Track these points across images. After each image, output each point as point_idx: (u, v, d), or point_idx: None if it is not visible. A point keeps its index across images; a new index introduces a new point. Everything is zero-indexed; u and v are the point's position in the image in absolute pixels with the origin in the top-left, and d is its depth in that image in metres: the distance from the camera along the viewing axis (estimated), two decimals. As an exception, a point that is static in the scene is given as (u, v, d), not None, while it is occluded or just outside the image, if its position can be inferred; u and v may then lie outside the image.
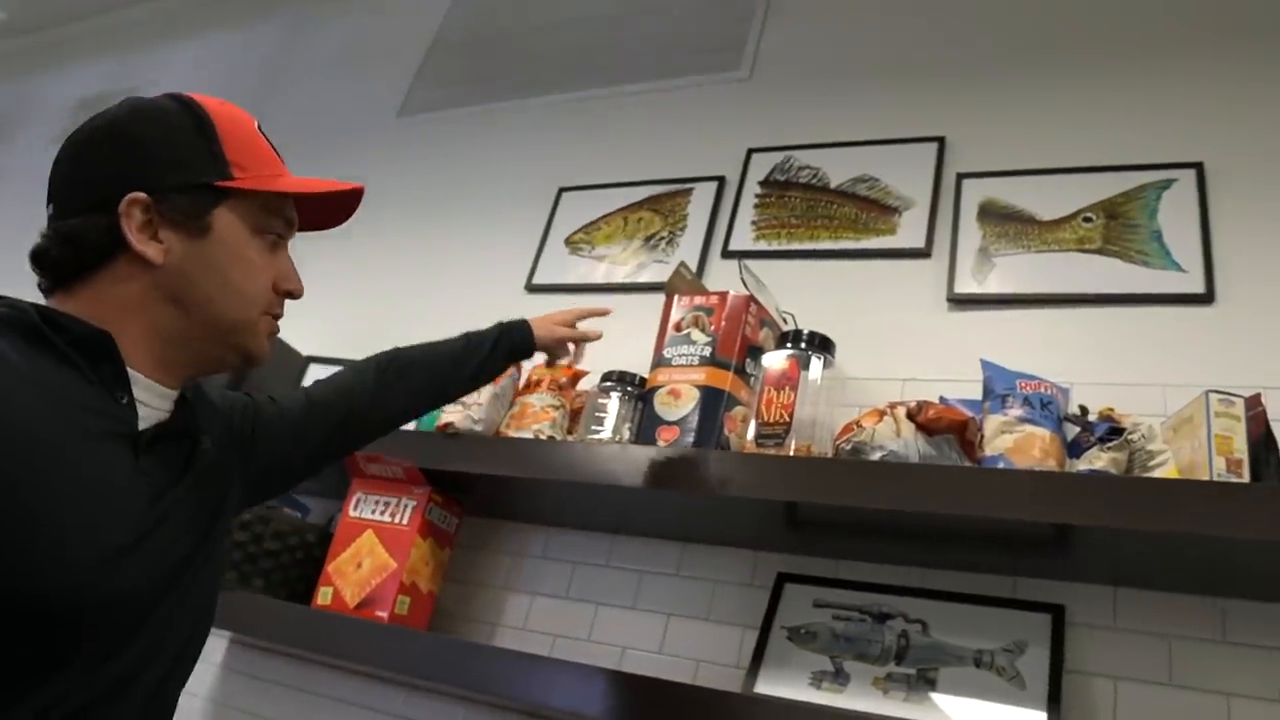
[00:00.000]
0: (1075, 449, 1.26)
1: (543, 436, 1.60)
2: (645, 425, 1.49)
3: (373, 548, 1.62)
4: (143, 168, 0.79)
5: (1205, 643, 1.22)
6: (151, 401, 0.81)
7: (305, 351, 2.14)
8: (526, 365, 1.74)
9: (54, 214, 0.80)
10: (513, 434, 1.64)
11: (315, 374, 2.08)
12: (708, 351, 1.49)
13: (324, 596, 1.61)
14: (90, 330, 0.75)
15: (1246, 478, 1.13)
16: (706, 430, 1.43)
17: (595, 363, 1.79)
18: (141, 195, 0.77)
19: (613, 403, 1.57)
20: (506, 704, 1.51)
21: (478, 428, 1.63)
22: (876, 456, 1.29)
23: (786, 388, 1.44)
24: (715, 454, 1.37)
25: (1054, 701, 1.21)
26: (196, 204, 0.80)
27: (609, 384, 1.60)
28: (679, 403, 1.47)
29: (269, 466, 1.02)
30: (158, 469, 0.80)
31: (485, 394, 1.65)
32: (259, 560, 1.66)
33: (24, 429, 0.68)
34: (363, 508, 1.67)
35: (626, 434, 1.55)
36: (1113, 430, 1.20)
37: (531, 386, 1.71)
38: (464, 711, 1.60)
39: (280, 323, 0.91)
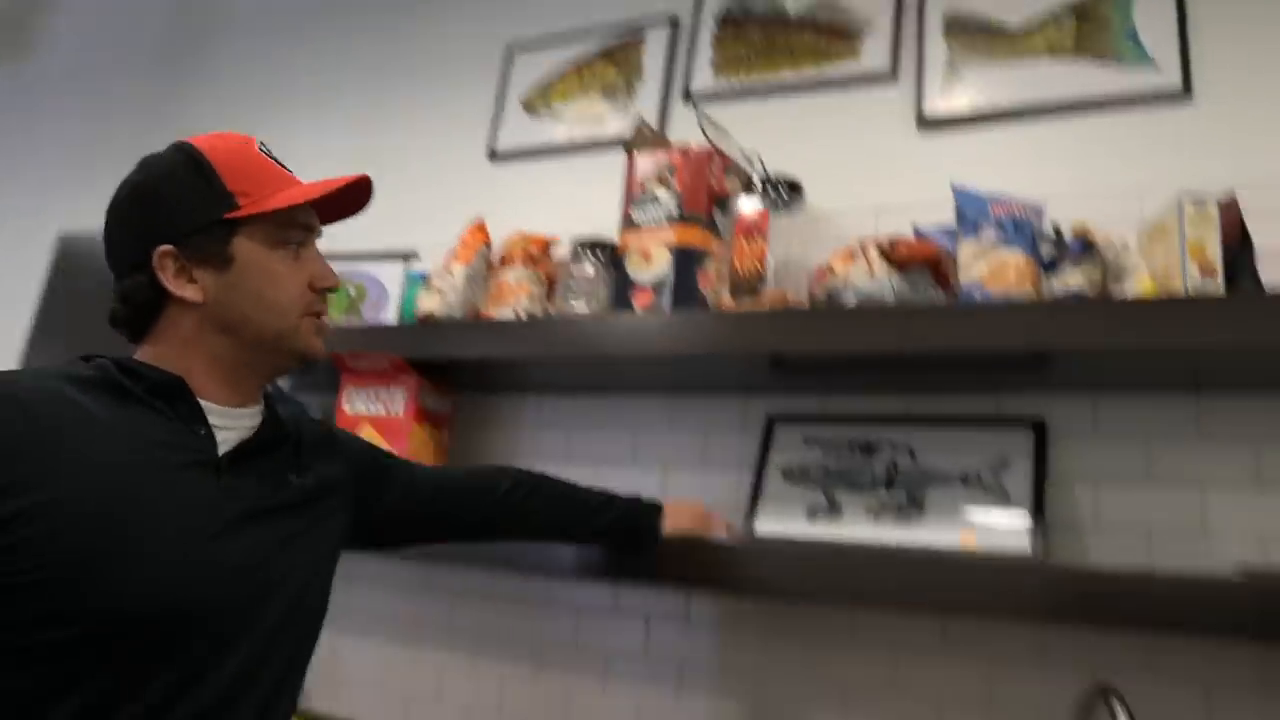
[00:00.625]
0: (1050, 267, 1.27)
1: (522, 313, 1.60)
2: (620, 290, 1.49)
3: (372, 440, 1.65)
4: (161, 222, 0.87)
5: (1182, 438, 1.26)
6: (229, 424, 0.89)
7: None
8: (496, 242, 1.73)
9: (114, 279, 0.90)
10: (493, 313, 1.64)
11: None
12: (674, 210, 1.46)
13: (333, 489, 1.66)
14: (163, 376, 0.86)
15: (1220, 282, 1.13)
16: (682, 290, 1.43)
17: (565, 225, 1.78)
18: (167, 246, 0.86)
19: (586, 271, 1.56)
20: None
21: (456, 312, 1.62)
22: (852, 300, 1.29)
23: (757, 237, 1.43)
24: (693, 316, 1.38)
25: (1038, 509, 1.26)
26: (214, 240, 0.87)
27: (583, 250, 1.58)
28: (651, 265, 1.46)
29: (379, 522, 1.09)
30: (246, 486, 0.88)
31: (459, 275, 1.65)
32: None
33: (108, 474, 0.78)
34: (356, 402, 1.70)
35: (603, 298, 1.54)
36: (1086, 247, 1.20)
37: (505, 262, 1.70)
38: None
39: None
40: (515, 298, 1.64)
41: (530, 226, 1.75)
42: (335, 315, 1.90)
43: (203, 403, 0.88)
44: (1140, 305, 1.11)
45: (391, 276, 1.90)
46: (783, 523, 1.41)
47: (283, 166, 0.94)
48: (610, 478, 1.64)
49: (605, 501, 1.28)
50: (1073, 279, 1.19)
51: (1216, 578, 1.01)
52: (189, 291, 0.87)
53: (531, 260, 1.69)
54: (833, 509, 1.40)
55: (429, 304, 1.63)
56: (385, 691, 1.75)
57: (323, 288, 0.94)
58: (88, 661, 0.74)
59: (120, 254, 0.89)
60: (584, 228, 1.78)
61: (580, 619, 1.62)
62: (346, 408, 1.70)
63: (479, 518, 1.20)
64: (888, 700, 1.34)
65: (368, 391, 1.69)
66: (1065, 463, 1.33)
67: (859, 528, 1.36)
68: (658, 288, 1.45)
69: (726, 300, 1.43)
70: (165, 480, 0.82)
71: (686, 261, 1.45)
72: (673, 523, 1.30)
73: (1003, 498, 1.30)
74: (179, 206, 0.87)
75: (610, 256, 1.56)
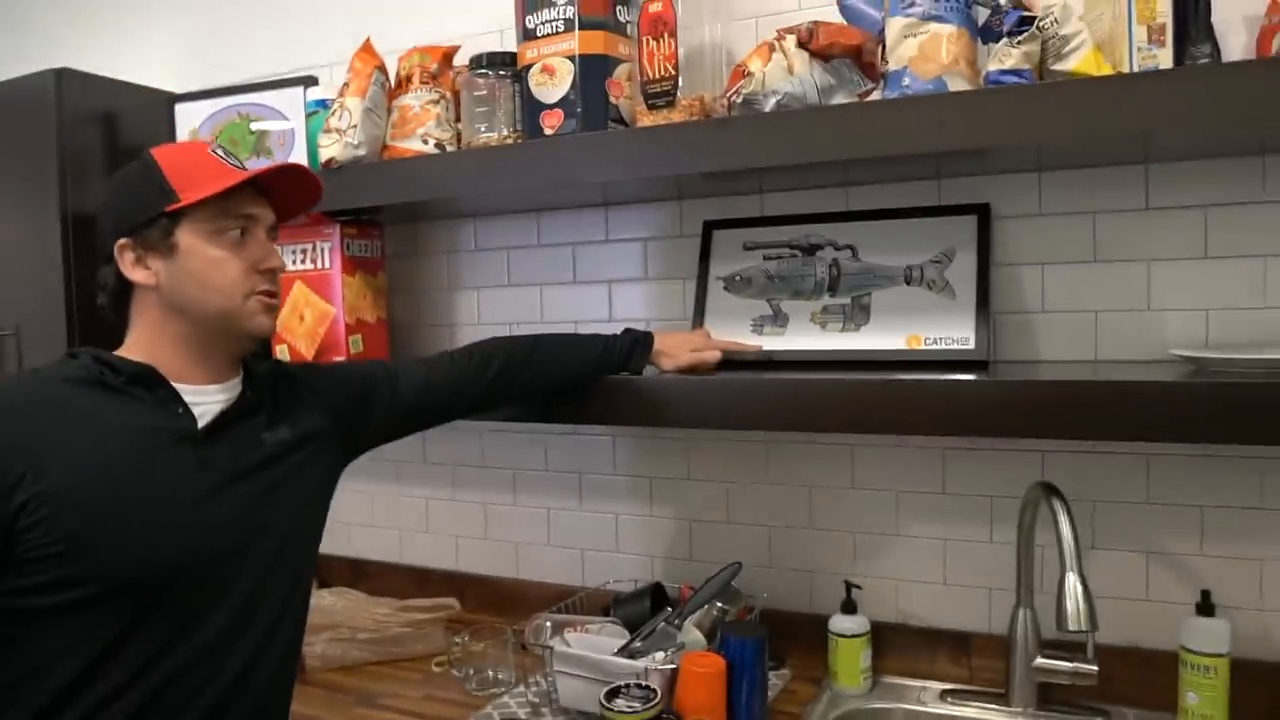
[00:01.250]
0: (988, 35, 1.13)
1: (430, 143, 1.48)
2: (528, 112, 1.36)
3: (307, 298, 1.60)
4: (120, 218, 0.98)
5: (1128, 213, 1.19)
6: (205, 400, 0.99)
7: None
8: (392, 62, 1.56)
9: None
10: (400, 146, 1.51)
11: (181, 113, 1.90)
12: (570, 13, 1.30)
13: (281, 353, 1.63)
14: (136, 367, 0.96)
15: (1169, 45, 1.01)
16: (591, 107, 1.30)
17: (464, 26, 1.61)
18: (124, 239, 0.97)
19: (488, 90, 1.42)
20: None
21: (361, 151, 1.50)
22: (770, 105, 1.17)
23: (665, 35, 1.28)
24: (603, 140, 1.26)
25: (982, 305, 1.23)
26: (161, 231, 0.97)
27: (481, 70, 1.43)
28: (555, 80, 1.32)
29: (375, 435, 1.18)
30: (223, 453, 0.98)
31: (355, 111, 1.50)
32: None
33: (99, 460, 0.90)
34: (286, 260, 1.62)
35: (511, 117, 1.41)
36: (1023, 20, 1.06)
37: (404, 85, 1.54)
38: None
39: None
40: (421, 125, 1.51)
41: (425, 37, 1.57)
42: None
43: (178, 385, 0.97)
44: (1077, 86, 1.00)
45: (293, 106, 1.74)
46: (728, 336, 1.38)
47: (237, 166, 1.01)
48: (555, 301, 1.61)
49: (598, 355, 1.27)
50: (1009, 59, 1.07)
51: (1159, 383, 0.98)
52: (141, 276, 0.97)
53: (432, 78, 1.53)
54: (777, 319, 1.36)
55: (329, 150, 1.50)
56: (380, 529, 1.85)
57: (266, 269, 1.01)
58: (103, 615, 0.89)
59: (99, 251, 1.01)
60: (484, 24, 1.61)
61: (549, 445, 1.66)
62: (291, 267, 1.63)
63: (468, 403, 1.22)
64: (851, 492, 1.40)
65: (294, 248, 1.61)
66: (1010, 248, 1.27)
67: (806, 337, 1.33)
68: (566, 106, 1.32)
69: (642, 111, 1.31)
70: (151, 460, 0.93)
71: (593, 71, 1.30)
72: (670, 361, 1.29)
73: (948, 293, 1.26)
74: (131, 204, 0.98)
75: (513, 72, 1.41)
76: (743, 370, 1.28)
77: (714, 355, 1.30)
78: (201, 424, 0.97)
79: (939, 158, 1.17)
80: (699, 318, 1.42)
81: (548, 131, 1.34)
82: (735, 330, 1.38)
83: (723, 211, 1.46)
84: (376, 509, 1.86)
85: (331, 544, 1.91)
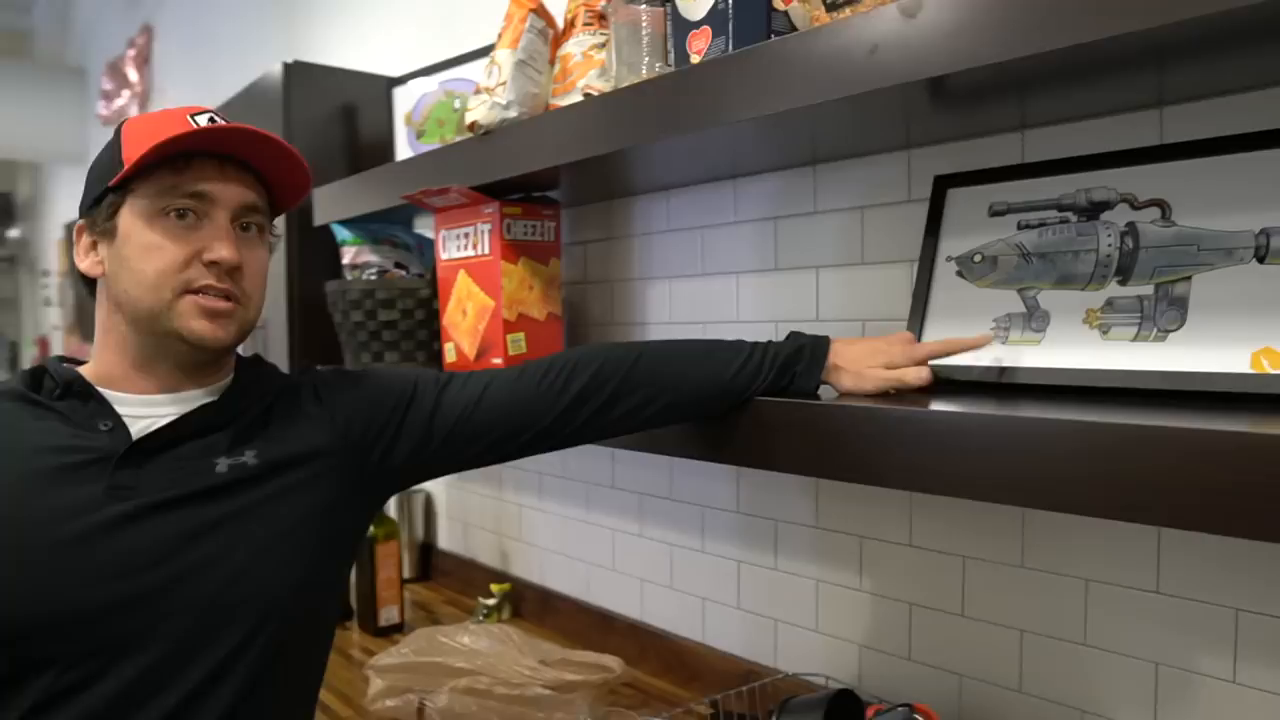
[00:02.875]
0: None
1: (593, 93, 1.18)
2: (677, 38, 1.01)
3: (469, 290, 1.38)
4: (82, 199, 0.84)
5: None
6: (150, 415, 0.81)
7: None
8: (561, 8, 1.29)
9: None
10: (561, 103, 1.24)
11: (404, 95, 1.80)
12: (718, -113, 0.93)
13: (449, 354, 1.43)
14: (67, 375, 0.81)
15: None
16: (745, 16, 0.92)
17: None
18: (80, 221, 0.84)
19: (635, 17, 1.08)
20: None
21: (511, 113, 1.24)
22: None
23: (847, -103, 0.86)
24: (750, 56, 0.87)
25: None
26: (106, 211, 0.81)
27: (632, -8, 1.10)
28: (702, -11, 0.96)
29: (403, 462, 0.90)
30: (153, 481, 0.79)
31: (507, 66, 1.25)
32: (381, 335, 1.52)
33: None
34: (450, 247, 1.42)
35: (664, 57, 1.07)
36: None
37: (569, 29, 1.26)
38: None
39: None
40: (584, 76, 1.22)
41: (590, -32, 1.28)
42: (448, 138, 1.61)
43: (120, 395, 0.82)
44: None
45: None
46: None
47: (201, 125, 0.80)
48: (748, 291, 1.25)
49: (737, 371, 0.87)
50: None
51: None
52: (87, 265, 0.83)
53: (598, 18, 1.24)
54: (1033, 319, 0.88)
55: (474, 113, 1.26)
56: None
57: (209, 260, 0.79)
58: None
59: None
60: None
61: (741, 480, 1.29)
62: (443, 255, 1.43)
63: (541, 432, 0.89)
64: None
65: (458, 233, 1.40)
66: None
67: (1074, 349, 0.84)
68: (714, 20, 0.95)
69: (818, 17, 0.90)
70: (48, 486, 0.77)
71: (747, -30, 0.92)
72: (852, 379, 0.87)
73: (1338, 274, 0.71)
74: (89, 181, 0.84)
75: (664, -12, 1.06)
76: (976, 397, 0.82)
77: (919, 376, 0.86)
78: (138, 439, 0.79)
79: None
80: (918, 317, 0.97)
81: (694, 58, 0.98)
82: (969, 336, 0.92)
83: (963, 162, 0.99)
84: (567, 536, 1.61)
85: (524, 569, 1.70)
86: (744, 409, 0.88)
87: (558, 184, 1.33)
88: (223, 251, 0.79)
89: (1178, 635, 0.86)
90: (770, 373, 0.87)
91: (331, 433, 0.87)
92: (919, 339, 0.96)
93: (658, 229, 1.38)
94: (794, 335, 0.91)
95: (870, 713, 0.96)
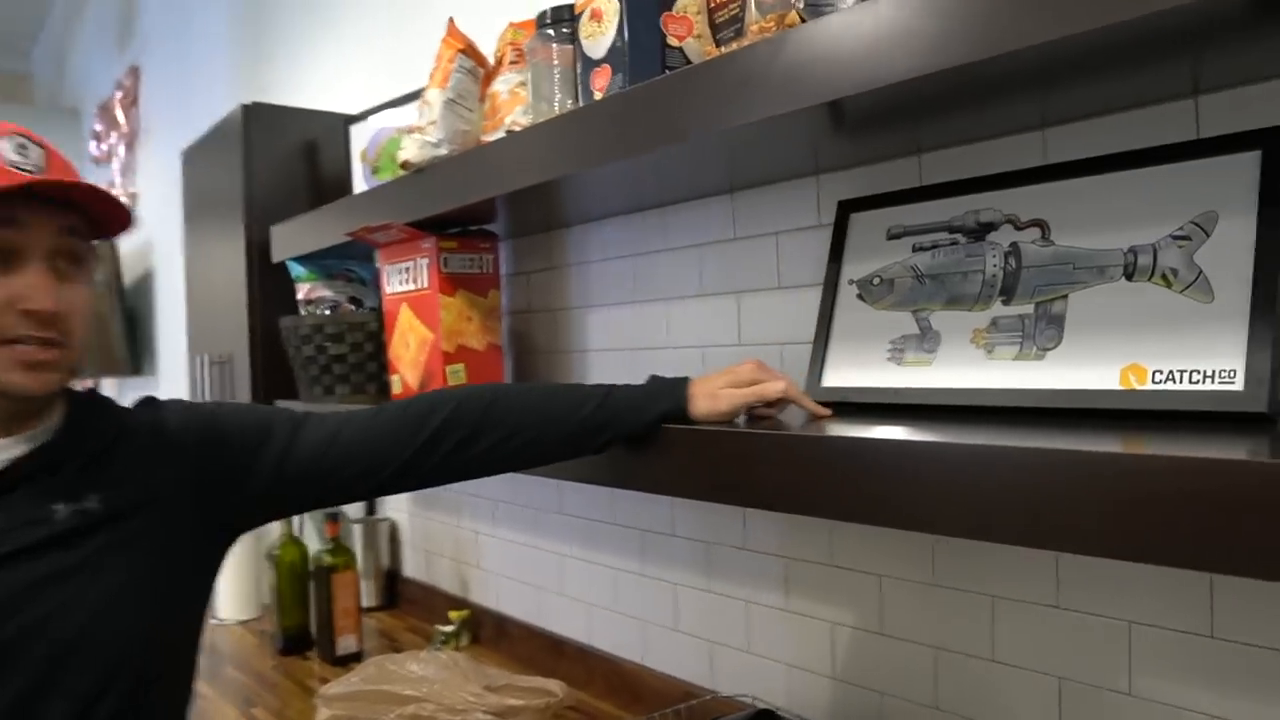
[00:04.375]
0: None
1: (516, 129, 1.21)
2: (583, 75, 1.04)
3: (411, 323, 1.41)
4: None
5: None
6: None
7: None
8: (486, 42, 1.32)
9: None
10: (490, 140, 1.26)
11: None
12: (613, -70, 0.96)
13: (396, 385, 1.45)
14: None
15: None
16: (639, 53, 0.95)
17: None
18: None
19: (548, 54, 1.11)
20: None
21: (442, 150, 1.27)
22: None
23: (729, -64, 0.88)
24: (658, 87, 0.89)
25: (1264, 310, 0.68)
26: None
27: (546, 29, 1.12)
28: (602, 27, 0.99)
29: (256, 499, 0.89)
30: None
31: (436, 105, 1.28)
32: (332, 368, 1.54)
33: None
34: (393, 281, 1.45)
35: (574, 93, 1.09)
36: None
37: (497, 67, 1.29)
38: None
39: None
40: (510, 112, 1.25)
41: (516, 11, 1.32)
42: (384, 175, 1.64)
43: None
44: None
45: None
46: (857, 369, 0.94)
47: (20, 171, 0.74)
48: (680, 316, 1.27)
49: (591, 412, 0.86)
50: None
51: None
52: None
53: (523, 55, 1.27)
54: (925, 339, 0.90)
55: (405, 151, 1.29)
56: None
57: (23, 310, 0.75)
58: None
59: None
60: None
61: (675, 505, 1.30)
62: (388, 289, 1.46)
63: (397, 472, 0.88)
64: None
65: (400, 267, 1.43)
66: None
67: (960, 369, 0.86)
68: (613, 58, 0.98)
69: (711, 49, 0.93)
70: None
71: (642, 10, 0.95)
72: (708, 405, 0.85)
73: (1199, 291, 0.72)
74: None
75: (574, 28, 1.09)
76: (868, 419, 0.84)
77: (776, 388, 0.85)
78: None
79: (1208, 34, 0.64)
80: (821, 340, 0.99)
81: (596, 95, 1.01)
82: (865, 362, 0.93)
83: (867, 186, 1.01)
84: (519, 562, 1.62)
85: (482, 595, 1.71)
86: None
87: (494, 216, 1.36)
88: (41, 302, 0.75)
89: (1079, 649, 0.87)
90: (623, 416, 0.86)
91: (179, 472, 0.85)
92: (823, 363, 0.97)
93: (594, 258, 1.41)
94: (654, 378, 0.90)
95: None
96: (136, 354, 3.82)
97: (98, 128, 4.35)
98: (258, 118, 1.86)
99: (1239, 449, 0.53)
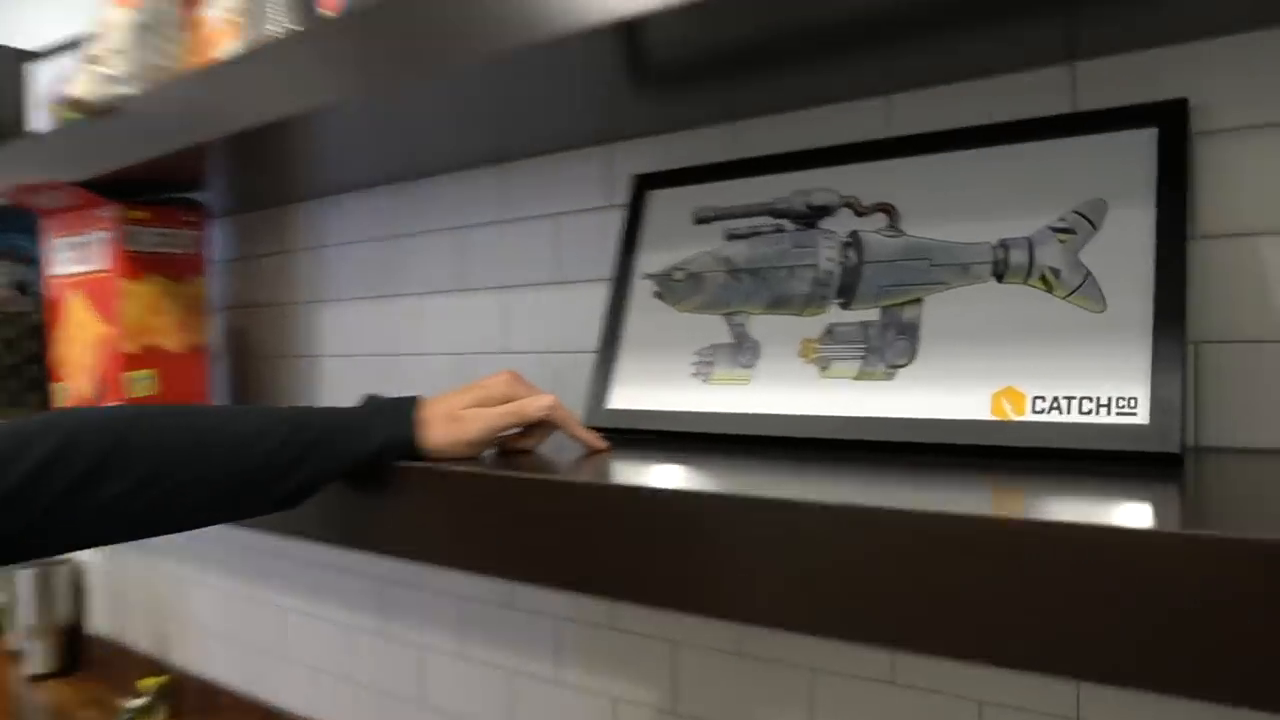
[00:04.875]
0: None
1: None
2: (304, -18, 0.78)
3: (83, 315, 1.07)
4: None
5: None
6: None
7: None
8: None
9: None
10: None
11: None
12: None
13: (60, 395, 1.11)
14: None
15: None
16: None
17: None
18: None
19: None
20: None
21: (127, 88, 0.96)
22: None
23: None
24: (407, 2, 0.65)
25: (1168, 324, 0.53)
26: None
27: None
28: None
29: None
30: None
31: (122, 29, 0.96)
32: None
33: None
34: (63, 259, 1.10)
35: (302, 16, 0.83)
36: None
37: (202, -18, 0.99)
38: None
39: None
40: (223, 45, 0.96)
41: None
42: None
43: None
44: None
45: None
46: (652, 385, 0.74)
47: None
48: (434, 316, 1.02)
49: (274, 447, 0.58)
50: None
51: None
52: None
53: (236, -32, 0.98)
54: (741, 351, 0.71)
55: (79, 86, 0.97)
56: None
57: None
58: None
59: None
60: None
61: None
62: (58, 269, 1.11)
63: None
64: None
65: (71, 242, 1.09)
66: (1239, 197, 0.57)
67: (787, 389, 0.67)
68: (345, -38, 0.73)
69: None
70: None
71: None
72: (448, 431, 0.61)
73: (1087, 298, 0.57)
74: None
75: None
76: (653, 452, 0.63)
77: (539, 405, 0.62)
78: None
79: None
80: (610, 348, 0.77)
81: (326, 14, 0.75)
82: (666, 373, 0.73)
83: (668, 159, 0.82)
84: (235, 614, 1.30)
85: (185, 657, 1.38)
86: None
87: (203, 182, 1.05)
88: None
89: (916, 738, 0.70)
90: (321, 452, 0.60)
91: None
92: (608, 378, 0.76)
93: (332, 241, 1.13)
94: (371, 399, 0.65)
95: None
96: None
97: None
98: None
99: (1144, 511, 0.36)
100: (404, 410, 0.61)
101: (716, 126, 0.79)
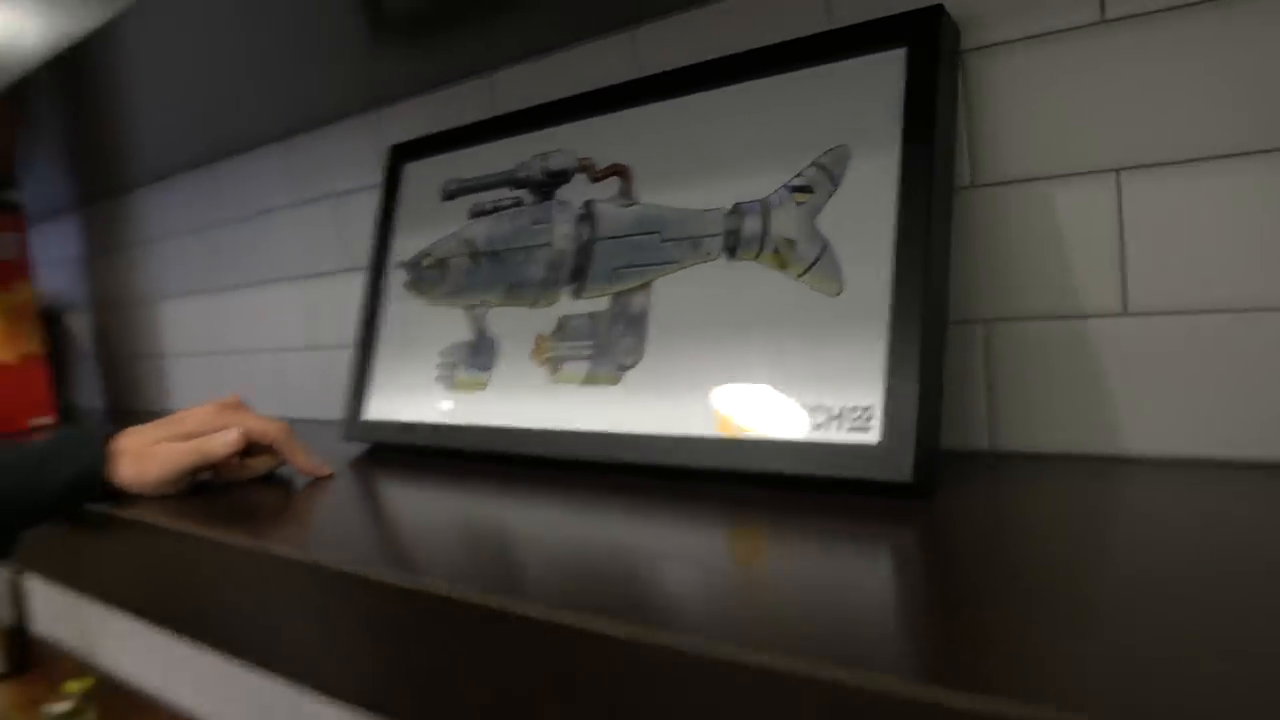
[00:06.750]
0: None
1: None
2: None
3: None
4: None
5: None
6: None
7: None
8: None
9: None
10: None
11: None
12: None
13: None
14: None
15: None
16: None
17: None
18: None
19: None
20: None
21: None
22: None
23: None
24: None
25: (911, 304, 0.40)
26: None
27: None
28: None
29: None
30: None
31: None
32: None
33: None
34: None
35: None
36: None
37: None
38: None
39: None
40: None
41: None
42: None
43: None
44: None
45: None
46: (403, 391, 0.63)
47: None
48: (251, 313, 0.93)
49: None
50: None
51: None
52: None
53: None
54: (478, 354, 0.59)
55: None
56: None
57: None
58: None
59: None
60: None
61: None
62: None
63: None
64: None
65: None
66: (1013, 137, 0.44)
67: (522, 398, 0.56)
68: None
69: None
70: None
71: None
72: (134, 469, 0.53)
73: (821, 277, 0.45)
74: None
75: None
76: (394, 469, 0.53)
77: (225, 441, 0.52)
78: None
79: None
80: (364, 348, 0.67)
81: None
82: (414, 377, 0.62)
83: (434, 123, 0.70)
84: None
85: (110, 658, 1.34)
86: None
87: (14, 177, 0.97)
88: None
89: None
90: (30, 482, 0.52)
91: None
92: (362, 383, 0.65)
93: (158, 233, 1.03)
94: (66, 428, 0.57)
95: None
96: None
97: None
98: None
99: (871, 659, 0.24)
100: (93, 447, 0.53)
101: (472, 81, 0.67)
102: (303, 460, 0.55)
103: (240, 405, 0.55)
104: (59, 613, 1.52)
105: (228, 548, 0.39)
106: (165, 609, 0.46)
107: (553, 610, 0.26)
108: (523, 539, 0.35)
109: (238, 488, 0.53)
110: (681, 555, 0.31)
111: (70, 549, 0.52)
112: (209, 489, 0.53)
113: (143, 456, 0.53)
